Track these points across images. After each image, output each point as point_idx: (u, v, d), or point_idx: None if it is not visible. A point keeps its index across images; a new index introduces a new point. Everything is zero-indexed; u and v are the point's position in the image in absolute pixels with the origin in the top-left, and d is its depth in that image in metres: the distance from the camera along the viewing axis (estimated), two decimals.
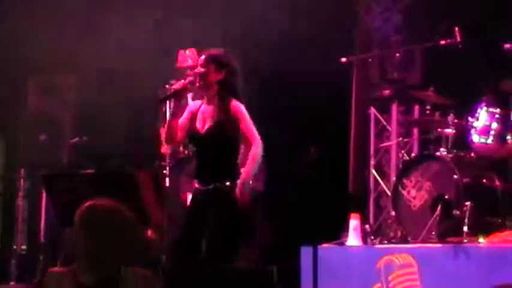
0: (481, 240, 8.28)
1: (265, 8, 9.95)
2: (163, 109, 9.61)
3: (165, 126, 7.87)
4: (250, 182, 7.55)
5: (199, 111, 7.82)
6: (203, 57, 7.82)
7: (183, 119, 7.88)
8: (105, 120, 9.84)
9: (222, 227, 7.59)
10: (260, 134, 8.93)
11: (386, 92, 10.56)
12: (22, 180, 10.37)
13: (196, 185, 7.88)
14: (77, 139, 9.27)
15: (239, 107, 7.68)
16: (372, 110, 10.64)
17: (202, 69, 7.77)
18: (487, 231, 8.40)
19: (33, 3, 10.02)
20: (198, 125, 7.77)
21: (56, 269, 5.12)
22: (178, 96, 7.75)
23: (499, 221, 8.53)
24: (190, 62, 10.34)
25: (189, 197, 9.44)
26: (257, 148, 7.59)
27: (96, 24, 10.04)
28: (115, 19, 10.09)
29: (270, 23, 9.97)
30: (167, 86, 8.72)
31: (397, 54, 10.19)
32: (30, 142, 10.37)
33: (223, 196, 7.60)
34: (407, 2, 10.66)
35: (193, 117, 7.84)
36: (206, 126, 7.71)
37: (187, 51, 10.43)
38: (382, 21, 10.86)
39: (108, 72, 9.81)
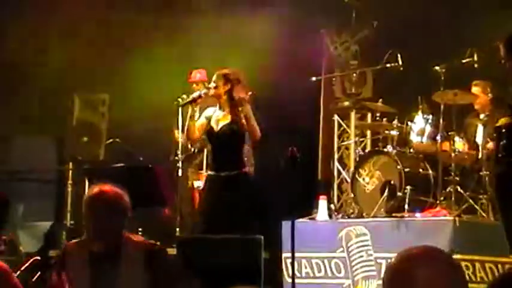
0: (417, 214, 8.33)
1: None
2: (177, 116, 9.62)
3: (187, 126, 7.96)
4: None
5: (213, 115, 7.96)
6: (216, 74, 7.98)
7: (200, 122, 7.99)
8: (131, 126, 9.84)
9: (242, 205, 7.68)
10: None
11: (346, 103, 10.53)
12: (70, 172, 10.36)
13: (211, 172, 7.94)
14: (110, 140, 9.28)
15: None
16: (336, 117, 10.62)
17: (215, 83, 7.94)
18: (422, 208, 8.45)
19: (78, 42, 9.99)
20: (214, 125, 7.89)
21: (73, 241, 5.07)
22: (195, 103, 7.91)
23: (431, 200, 8.53)
24: (198, 78, 10.32)
25: (196, 183, 9.48)
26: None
27: (122, 52, 10.04)
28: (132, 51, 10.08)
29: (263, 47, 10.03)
30: (179, 99, 8.71)
31: (354, 75, 10.27)
32: (76, 143, 10.34)
33: (236, 181, 7.69)
34: (362, 36, 10.65)
35: (208, 120, 7.96)
36: (220, 126, 7.86)
37: (197, 71, 10.41)
38: (343, 49, 10.86)
39: (132, 89, 9.84)
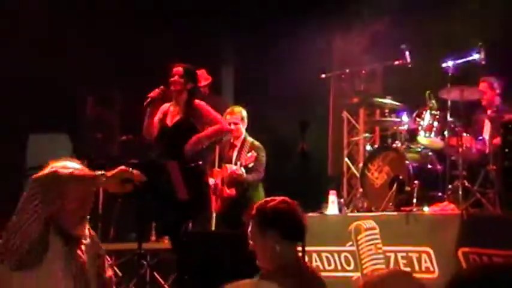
0: (425, 209, 8.24)
1: None
2: None
3: (145, 124, 7.98)
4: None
5: (168, 111, 7.99)
6: (181, 69, 7.92)
7: (156, 118, 7.99)
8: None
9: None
10: (266, 133, 8.86)
11: (355, 99, 10.41)
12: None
13: None
14: (124, 137, 9.22)
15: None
16: (345, 113, 10.62)
17: (179, 78, 7.89)
18: (430, 202, 8.34)
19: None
20: (168, 121, 7.93)
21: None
22: (154, 103, 7.90)
23: (439, 194, 8.45)
24: (204, 82, 10.09)
25: (210, 180, 9.35)
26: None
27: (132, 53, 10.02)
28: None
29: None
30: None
31: (363, 71, 10.15)
32: (90, 140, 10.35)
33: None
34: (371, 33, 10.58)
35: (163, 115, 7.97)
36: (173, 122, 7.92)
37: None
38: (352, 46, 10.79)
39: (144, 87, 9.77)
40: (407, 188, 8.39)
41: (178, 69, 7.93)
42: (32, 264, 4.35)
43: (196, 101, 7.89)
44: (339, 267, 8.29)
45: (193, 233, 8.05)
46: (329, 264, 8.38)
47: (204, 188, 8.06)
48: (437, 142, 8.66)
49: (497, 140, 8.49)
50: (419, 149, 8.79)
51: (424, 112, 8.64)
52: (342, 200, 9.38)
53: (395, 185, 8.47)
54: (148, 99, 7.88)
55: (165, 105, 8.07)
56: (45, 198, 4.37)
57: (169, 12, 10.74)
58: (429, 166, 8.69)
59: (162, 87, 7.91)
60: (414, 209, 8.17)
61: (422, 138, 8.69)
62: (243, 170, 8.93)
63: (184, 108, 7.89)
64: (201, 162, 7.99)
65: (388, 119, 9.16)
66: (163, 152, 7.89)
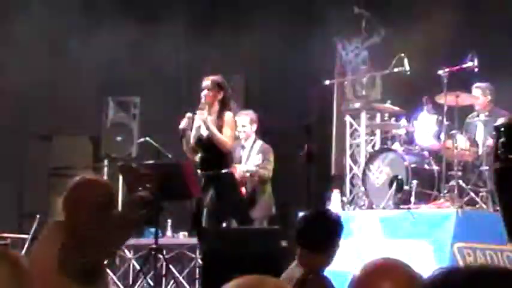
0: (423, 206, 8.39)
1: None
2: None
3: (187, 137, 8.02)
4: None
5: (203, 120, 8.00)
6: (210, 81, 7.92)
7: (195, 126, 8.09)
8: (160, 126, 9.93)
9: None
10: (275, 135, 9.04)
11: (357, 104, 10.60)
12: (105, 168, 10.44)
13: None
14: (142, 139, 9.36)
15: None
16: (347, 117, 10.68)
17: (209, 91, 7.90)
18: (427, 200, 8.53)
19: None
20: (202, 131, 7.99)
21: None
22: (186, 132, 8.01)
23: (436, 193, 8.60)
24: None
25: None
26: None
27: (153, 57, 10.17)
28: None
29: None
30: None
31: (364, 79, 10.33)
32: (111, 142, 10.44)
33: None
34: (371, 43, 10.71)
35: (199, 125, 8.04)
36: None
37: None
38: (354, 55, 10.92)
39: (160, 92, 9.94)
40: (406, 187, 8.50)
41: (207, 82, 7.96)
42: (94, 281, 4.28)
43: (227, 113, 7.96)
44: (342, 261, 8.48)
45: (212, 230, 8.20)
46: None
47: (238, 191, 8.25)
48: (434, 144, 8.83)
49: (490, 142, 8.49)
50: (417, 151, 8.92)
51: (421, 116, 8.78)
52: (345, 198, 9.50)
53: (394, 184, 8.59)
54: (181, 130, 7.93)
55: (197, 116, 8.11)
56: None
57: (183, 21, 10.88)
58: (426, 167, 8.76)
59: (189, 115, 7.95)
60: (412, 207, 8.29)
61: (420, 141, 8.90)
62: (254, 168, 9.07)
63: (216, 118, 7.96)
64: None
65: (388, 122, 9.31)
66: (201, 159, 8.01)
